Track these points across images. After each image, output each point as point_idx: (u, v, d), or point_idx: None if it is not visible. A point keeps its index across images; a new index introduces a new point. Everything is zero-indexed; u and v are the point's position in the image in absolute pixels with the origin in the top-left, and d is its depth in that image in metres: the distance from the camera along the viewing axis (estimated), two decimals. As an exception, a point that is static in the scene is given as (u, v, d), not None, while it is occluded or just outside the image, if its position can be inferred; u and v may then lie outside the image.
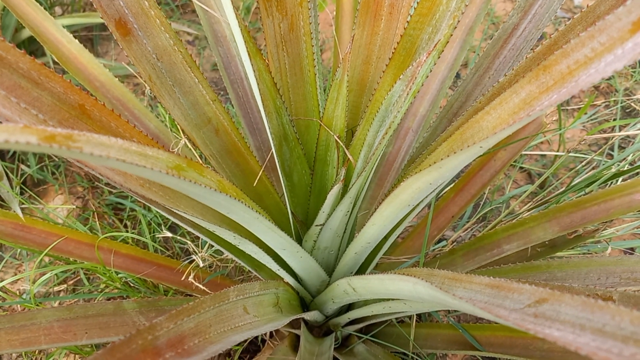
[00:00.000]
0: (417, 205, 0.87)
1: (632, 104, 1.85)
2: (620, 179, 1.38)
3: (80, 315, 0.84)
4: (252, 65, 0.71)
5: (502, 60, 0.89)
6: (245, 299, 0.69)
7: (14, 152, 1.60)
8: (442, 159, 0.57)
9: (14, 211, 1.28)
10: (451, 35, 0.61)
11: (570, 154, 1.64)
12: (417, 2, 0.64)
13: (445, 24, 0.63)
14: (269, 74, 0.75)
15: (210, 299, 0.58)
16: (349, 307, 1.10)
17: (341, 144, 0.79)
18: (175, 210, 0.69)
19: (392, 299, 0.86)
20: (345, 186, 0.83)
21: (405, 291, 0.63)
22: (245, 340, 1.23)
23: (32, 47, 1.80)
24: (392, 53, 0.69)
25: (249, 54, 0.70)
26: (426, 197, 0.86)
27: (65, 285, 1.41)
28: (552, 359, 0.89)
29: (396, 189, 0.68)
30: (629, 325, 0.36)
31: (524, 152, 1.73)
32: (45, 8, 1.80)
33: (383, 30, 0.83)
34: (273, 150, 0.82)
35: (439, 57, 0.63)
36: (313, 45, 0.78)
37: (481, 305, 0.49)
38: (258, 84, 0.74)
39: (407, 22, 0.66)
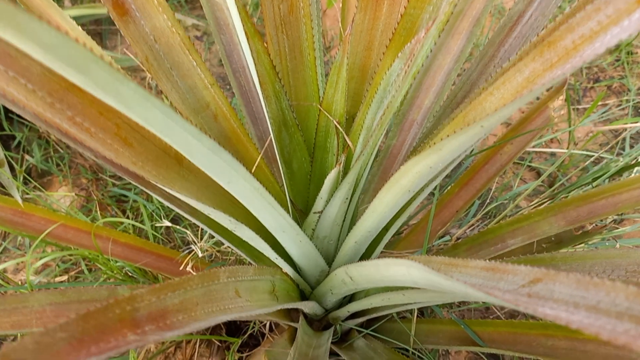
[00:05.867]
0: (419, 193, 0.86)
1: (645, 104, 1.82)
2: (635, 172, 1.35)
3: (73, 300, 0.83)
4: (250, 47, 0.70)
5: (507, 49, 0.88)
6: (238, 282, 0.68)
7: (19, 142, 1.60)
8: (442, 140, 0.56)
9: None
10: (452, 13, 0.59)
11: (581, 152, 1.60)
12: (418, -20, 0.63)
13: (447, 2, 0.62)
14: (267, 56, 0.74)
15: (198, 277, 0.57)
16: (350, 300, 1.09)
17: (340, 129, 0.78)
18: (169, 191, 0.68)
19: (391, 290, 0.84)
20: (345, 173, 0.81)
21: (399, 276, 0.61)
22: (245, 334, 1.21)
23: (41, 38, 1.80)
24: (392, 34, 0.68)
25: (246, 35, 0.69)
26: (428, 185, 0.84)
27: (67, 276, 1.40)
28: (556, 356, 0.87)
29: (396, 174, 0.66)
30: (624, 301, 0.34)
31: (533, 150, 1.70)
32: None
33: (385, 14, 0.81)
34: (272, 135, 0.81)
35: (439, 36, 0.61)
36: (313, 28, 0.77)
37: (476, 287, 0.47)
38: (256, 67, 0.73)
39: (408, 1, 0.65)
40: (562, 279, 0.40)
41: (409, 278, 0.59)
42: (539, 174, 1.68)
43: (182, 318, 0.50)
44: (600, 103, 1.86)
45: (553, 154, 1.70)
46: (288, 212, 0.91)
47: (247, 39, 0.69)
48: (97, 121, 0.57)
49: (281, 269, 0.92)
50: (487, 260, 0.52)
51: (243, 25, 0.67)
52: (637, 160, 1.31)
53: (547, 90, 1.80)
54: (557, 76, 0.47)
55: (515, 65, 0.54)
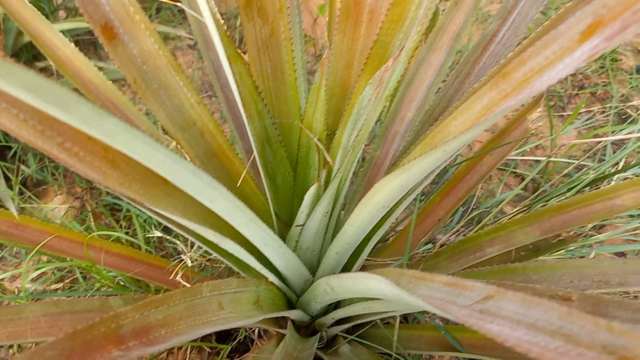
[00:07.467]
0: (397, 206, 0.89)
1: (628, 110, 1.86)
2: (615, 180, 1.39)
3: (66, 311, 0.87)
4: (232, 69, 0.74)
5: (481, 67, 0.91)
6: (221, 295, 0.71)
7: (15, 153, 1.63)
8: (409, 161, 0.59)
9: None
10: (420, 41, 0.63)
11: (564, 160, 1.64)
12: (388, 10, 0.66)
13: (415, 31, 0.65)
14: (250, 77, 0.77)
15: (180, 292, 0.60)
16: (335, 307, 1.12)
17: (320, 146, 0.81)
18: (156, 209, 0.71)
19: (371, 299, 0.87)
20: (326, 188, 0.85)
21: (373, 289, 0.65)
22: (234, 339, 1.25)
23: (35, 51, 1.84)
24: (367, 59, 0.71)
25: (228, 59, 0.72)
26: (404, 199, 0.88)
27: (62, 284, 1.44)
28: (531, 361, 0.90)
29: (370, 191, 0.70)
30: (557, 319, 0.38)
31: (518, 158, 1.74)
32: (48, 12, 1.84)
33: (363, 36, 0.85)
34: (255, 152, 0.84)
35: (409, 62, 0.65)
36: (293, 50, 0.81)
37: (435, 303, 0.51)
38: (239, 88, 0.77)
39: (380, 28, 0.68)
40: (509, 297, 0.43)
41: (380, 292, 0.63)
42: (523, 180, 1.72)
43: (165, 333, 0.53)
44: (585, 110, 1.90)
45: (537, 161, 1.74)
46: (272, 225, 0.95)
47: (230, 62, 0.72)
48: (85, 145, 0.61)
49: (267, 278, 0.95)
50: (450, 276, 0.56)
51: (225, 50, 0.71)
52: (616, 168, 1.35)
53: (533, 97, 1.84)
54: (511, 105, 0.51)
55: (476, 92, 0.58)
